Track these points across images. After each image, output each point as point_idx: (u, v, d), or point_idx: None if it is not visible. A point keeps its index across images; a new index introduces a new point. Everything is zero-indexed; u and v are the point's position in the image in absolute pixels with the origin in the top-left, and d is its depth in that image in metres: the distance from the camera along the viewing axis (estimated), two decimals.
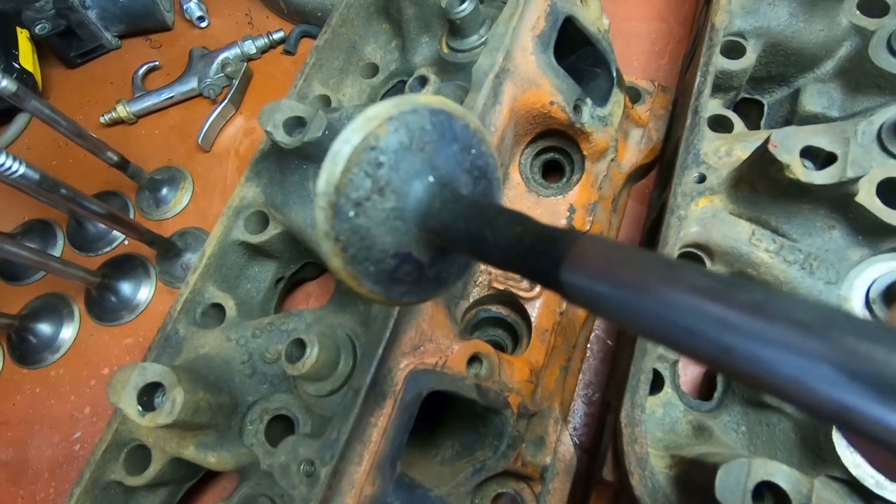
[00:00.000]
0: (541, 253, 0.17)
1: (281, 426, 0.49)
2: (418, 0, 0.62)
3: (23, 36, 0.83)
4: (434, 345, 0.43)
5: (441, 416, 0.50)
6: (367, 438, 0.38)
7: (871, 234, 0.42)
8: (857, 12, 0.54)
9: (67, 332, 0.71)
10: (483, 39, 0.54)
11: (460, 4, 0.52)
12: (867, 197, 0.41)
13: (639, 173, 0.65)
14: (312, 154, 0.50)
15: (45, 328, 0.70)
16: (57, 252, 0.76)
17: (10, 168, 0.46)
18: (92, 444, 0.65)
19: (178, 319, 0.52)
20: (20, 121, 0.86)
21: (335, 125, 0.51)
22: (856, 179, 0.39)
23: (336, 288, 0.62)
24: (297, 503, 0.35)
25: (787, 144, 0.41)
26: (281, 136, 0.48)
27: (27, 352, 0.70)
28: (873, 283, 0.41)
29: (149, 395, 0.42)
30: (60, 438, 0.66)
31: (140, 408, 0.40)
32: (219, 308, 0.55)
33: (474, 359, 0.45)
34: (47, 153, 0.84)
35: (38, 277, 0.76)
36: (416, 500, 0.40)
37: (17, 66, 0.79)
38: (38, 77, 0.85)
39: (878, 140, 0.46)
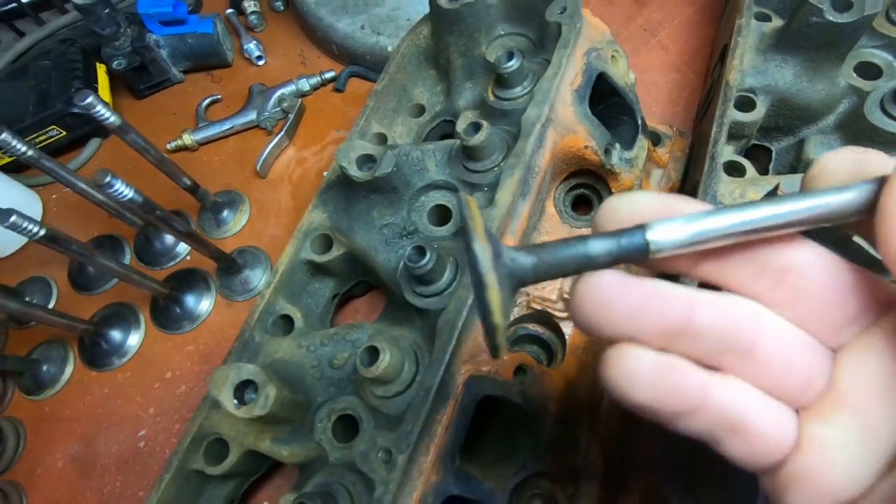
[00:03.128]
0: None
1: (344, 424, 0.55)
2: (466, 52, 0.70)
3: (101, 70, 0.93)
4: (487, 355, 0.49)
5: (480, 429, 0.56)
6: (433, 433, 0.45)
7: (867, 268, 0.49)
8: (854, 75, 0.62)
9: (134, 339, 0.78)
10: (526, 91, 0.62)
11: (508, 61, 0.60)
12: (860, 238, 0.48)
13: None
14: (380, 187, 0.57)
15: (115, 334, 0.77)
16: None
17: (122, 192, 0.54)
18: (156, 442, 0.71)
19: (255, 328, 0.59)
20: (92, 146, 0.94)
21: (398, 161, 0.58)
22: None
23: (386, 305, 0.69)
24: (378, 485, 0.41)
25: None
26: (354, 171, 0.56)
27: (98, 356, 0.76)
28: None
29: (240, 392, 0.48)
30: (126, 436, 0.72)
31: (235, 401, 0.47)
32: (287, 319, 0.62)
33: (520, 369, 0.52)
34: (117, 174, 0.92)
35: (106, 288, 0.83)
36: (471, 489, 0.46)
37: None
38: (112, 107, 0.93)
39: None
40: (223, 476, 0.56)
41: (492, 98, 0.65)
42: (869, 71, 0.62)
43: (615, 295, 0.23)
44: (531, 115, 0.54)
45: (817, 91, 0.63)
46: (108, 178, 0.52)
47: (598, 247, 0.24)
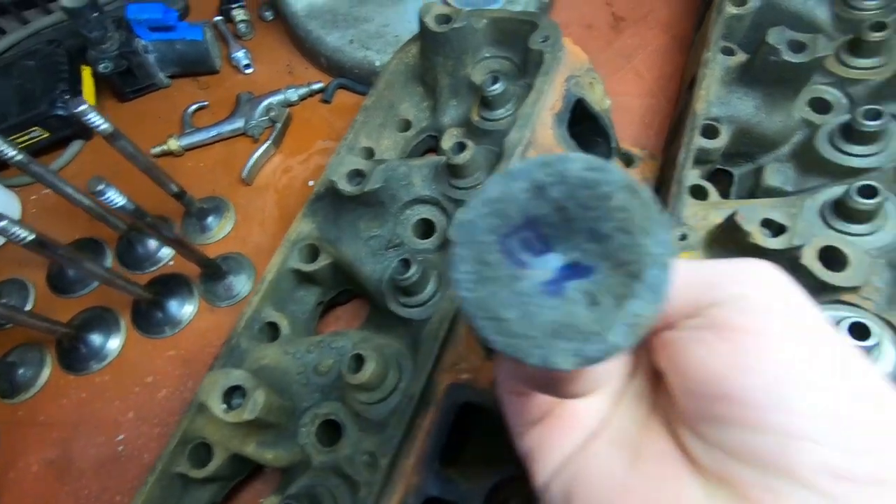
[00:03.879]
0: None
1: (327, 429, 0.57)
2: (452, 73, 0.73)
3: (86, 73, 0.93)
4: (467, 364, 0.52)
5: (461, 434, 0.58)
6: (415, 437, 0.47)
7: (814, 288, 0.54)
8: (808, 109, 0.68)
9: (114, 343, 0.78)
10: (510, 113, 0.65)
11: (493, 84, 0.63)
12: (810, 260, 0.53)
13: None
14: (368, 201, 0.60)
15: (95, 338, 0.77)
16: None
17: (113, 200, 0.55)
18: (134, 446, 0.72)
19: (242, 334, 0.60)
20: (73, 147, 0.94)
21: (385, 176, 0.61)
22: (800, 247, 0.51)
23: (369, 314, 0.71)
24: (362, 487, 0.44)
25: (750, 216, 0.52)
26: (344, 186, 0.58)
27: (76, 359, 0.76)
28: None
29: (228, 397, 0.50)
30: (104, 440, 0.72)
31: (224, 406, 0.48)
32: (273, 326, 0.64)
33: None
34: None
35: (86, 292, 0.83)
36: (450, 491, 0.48)
37: None
38: None
39: (821, 214, 0.59)
40: (206, 479, 0.57)
41: (476, 118, 0.68)
42: (821, 106, 0.68)
43: None
44: (513, 138, 0.58)
45: (774, 122, 0.68)
46: (101, 186, 0.53)
47: None
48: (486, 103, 0.65)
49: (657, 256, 0.20)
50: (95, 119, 0.59)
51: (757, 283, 0.23)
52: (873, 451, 0.20)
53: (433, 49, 0.71)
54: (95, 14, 0.86)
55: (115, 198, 0.55)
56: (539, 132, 0.61)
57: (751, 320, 0.22)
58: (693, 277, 0.23)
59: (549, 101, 0.62)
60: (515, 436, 0.28)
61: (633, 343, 0.20)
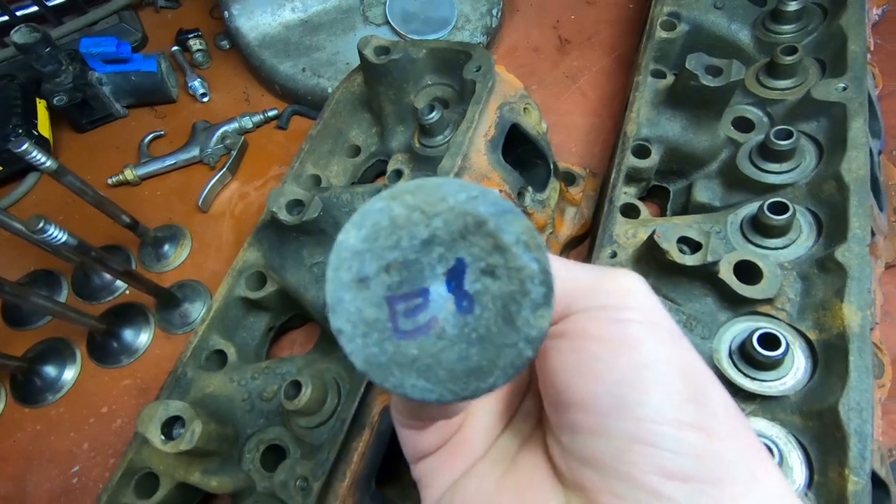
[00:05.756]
0: None
1: (273, 454, 0.58)
2: (396, 100, 0.76)
3: (41, 105, 0.94)
4: None
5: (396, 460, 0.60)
6: (350, 460, 0.49)
7: (732, 301, 0.57)
8: (731, 128, 0.72)
9: (69, 374, 0.78)
10: (448, 139, 0.68)
11: (430, 113, 0.66)
12: (726, 274, 0.56)
13: (573, 243, 0.80)
14: (308, 229, 0.62)
15: (50, 370, 0.77)
16: (62, 300, 0.84)
17: (56, 237, 0.56)
18: (88, 478, 0.72)
19: (188, 364, 0.61)
20: (30, 180, 0.95)
21: (327, 204, 0.63)
22: (714, 263, 0.54)
23: (319, 337, 0.72)
24: None
25: (667, 235, 0.55)
26: (284, 216, 0.60)
27: (31, 392, 0.76)
28: (733, 339, 0.55)
29: (168, 427, 0.51)
30: (59, 472, 0.72)
31: (163, 437, 0.50)
32: (221, 354, 0.65)
33: None
34: (54, 208, 0.93)
35: (41, 323, 0.83)
36: None
37: (35, 133, 0.89)
38: (51, 141, 0.94)
39: (741, 230, 0.62)
40: None
41: (417, 145, 0.71)
42: (744, 125, 0.71)
43: None
44: (445, 166, 0.60)
45: (701, 141, 0.72)
46: (41, 224, 0.54)
47: None
48: (425, 131, 0.68)
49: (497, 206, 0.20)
50: (39, 157, 0.61)
51: (616, 294, 0.23)
52: (702, 453, 0.21)
53: (375, 79, 0.74)
54: (48, 49, 0.87)
55: (57, 234, 0.56)
56: (473, 158, 0.64)
57: (603, 329, 0.22)
58: (559, 287, 0.23)
59: (482, 128, 0.64)
60: (410, 463, 0.30)
61: (552, 309, 0.20)
